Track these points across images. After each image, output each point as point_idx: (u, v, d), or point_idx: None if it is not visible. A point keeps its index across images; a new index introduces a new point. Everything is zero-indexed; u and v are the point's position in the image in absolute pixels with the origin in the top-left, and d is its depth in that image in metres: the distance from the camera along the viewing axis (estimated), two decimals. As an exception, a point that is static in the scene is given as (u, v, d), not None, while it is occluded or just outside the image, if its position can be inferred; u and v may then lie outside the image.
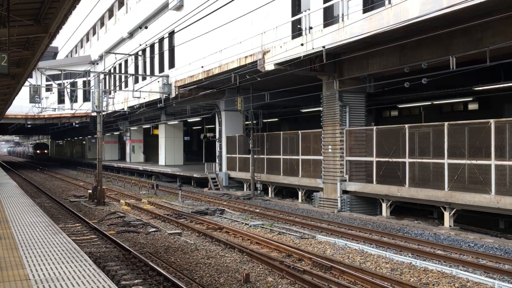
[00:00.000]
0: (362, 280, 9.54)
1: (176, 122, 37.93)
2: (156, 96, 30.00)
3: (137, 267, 10.83)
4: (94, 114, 26.60)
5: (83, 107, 39.26)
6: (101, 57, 44.61)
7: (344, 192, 19.27)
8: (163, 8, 31.17)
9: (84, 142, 67.97)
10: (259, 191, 25.61)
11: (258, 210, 19.82)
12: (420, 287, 8.99)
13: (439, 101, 23.17)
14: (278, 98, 24.21)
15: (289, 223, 16.86)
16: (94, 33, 50.34)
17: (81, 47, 56.67)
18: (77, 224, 16.87)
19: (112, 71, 36.37)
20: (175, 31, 25.79)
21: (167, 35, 29.50)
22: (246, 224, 16.60)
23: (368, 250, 12.28)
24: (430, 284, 9.48)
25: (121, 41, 39.61)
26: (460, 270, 10.31)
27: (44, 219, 12.07)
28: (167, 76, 29.59)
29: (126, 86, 37.93)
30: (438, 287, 9.31)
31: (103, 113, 24.74)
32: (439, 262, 11.19)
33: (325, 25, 17.21)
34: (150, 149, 49.44)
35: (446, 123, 15.54)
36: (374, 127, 18.79)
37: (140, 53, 33.20)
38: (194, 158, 47.83)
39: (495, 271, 10.30)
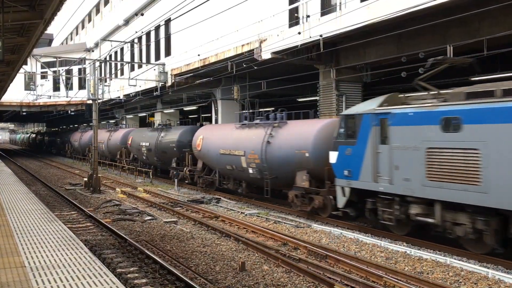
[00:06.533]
0: (357, 268, 9.59)
1: (172, 110, 37.77)
2: (152, 84, 29.86)
3: (133, 255, 10.86)
4: (90, 102, 26.46)
5: (78, 95, 39.06)
6: (96, 45, 44.22)
7: (340, 181, 19.26)
8: (160, -6, 30.86)
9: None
10: (255, 180, 25.58)
11: (254, 199, 19.83)
12: (415, 275, 9.04)
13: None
14: (274, 87, 24.12)
15: (285, 212, 16.90)
16: (89, 20, 49.89)
17: (77, 34, 56.18)
18: (73, 212, 16.86)
19: (107, 58, 36.10)
20: (172, 18, 25.58)
21: (163, 22, 29.25)
22: (242, 213, 16.64)
23: (364, 239, 12.34)
24: (424, 273, 9.55)
25: (117, 28, 39.27)
26: (454, 259, 10.38)
27: (39, 206, 12.05)
28: (163, 64, 29.41)
29: (122, 74, 37.70)
30: (432, 275, 9.37)
31: (99, 101, 24.64)
32: (434, 251, 11.26)
33: (323, 14, 17.10)
34: (146, 138, 49.10)
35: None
36: (371, 117, 18.73)
37: (136, 40, 32.93)
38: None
39: (489, 260, 10.37)
